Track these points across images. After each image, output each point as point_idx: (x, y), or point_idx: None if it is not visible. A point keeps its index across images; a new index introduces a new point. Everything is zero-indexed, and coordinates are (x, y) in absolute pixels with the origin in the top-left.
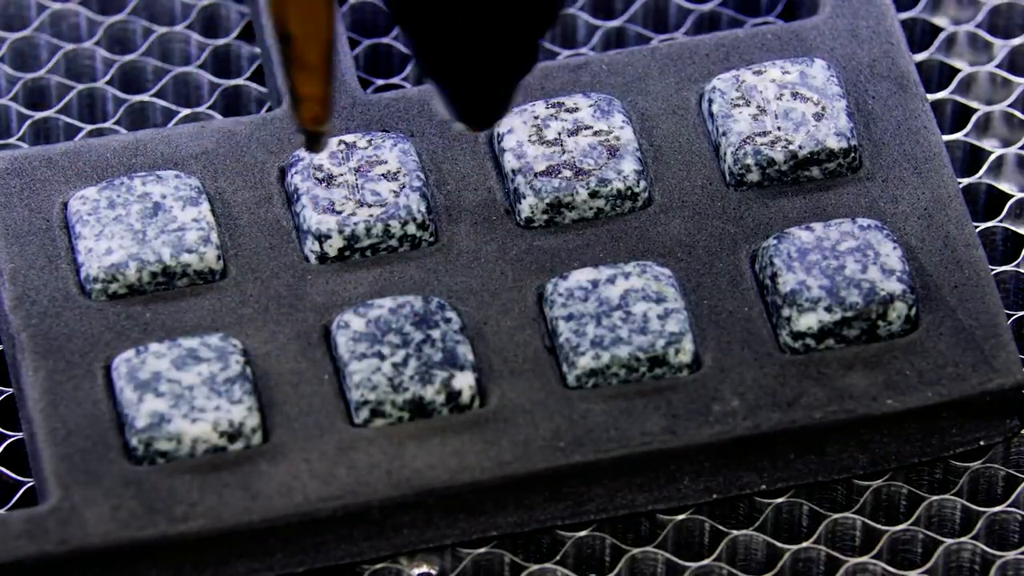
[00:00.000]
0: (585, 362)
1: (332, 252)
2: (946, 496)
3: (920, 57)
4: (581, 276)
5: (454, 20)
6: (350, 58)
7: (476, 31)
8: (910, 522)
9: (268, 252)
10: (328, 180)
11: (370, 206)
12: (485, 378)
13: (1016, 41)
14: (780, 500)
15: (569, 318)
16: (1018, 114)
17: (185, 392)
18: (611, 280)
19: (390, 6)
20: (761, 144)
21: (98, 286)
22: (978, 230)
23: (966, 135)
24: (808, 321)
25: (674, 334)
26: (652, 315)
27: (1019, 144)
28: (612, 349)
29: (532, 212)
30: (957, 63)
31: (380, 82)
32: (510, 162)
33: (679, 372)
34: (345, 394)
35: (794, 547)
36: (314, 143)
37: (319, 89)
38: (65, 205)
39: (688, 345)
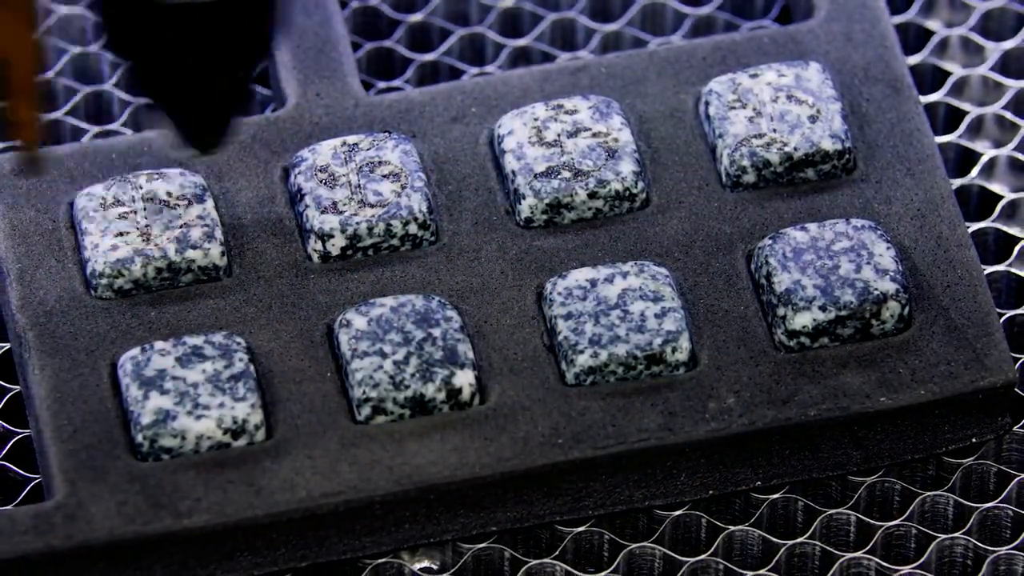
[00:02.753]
0: (583, 360)
1: (335, 251)
2: (939, 492)
3: (913, 60)
4: (580, 275)
5: (173, 59)
6: (353, 61)
7: (193, 67)
8: (904, 518)
9: (271, 251)
10: (331, 180)
11: (372, 206)
12: (485, 376)
13: (1008, 44)
14: (776, 496)
15: (568, 317)
16: (1010, 116)
17: (190, 389)
18: (609, 279)
19: (114, 49)
20: (757, 146)
21: (104, 281)
22: (970, 230)
23: (959, 137)
24: (803, 320)
25: (671, 333)
26: (649, 314)
27: (1011, 146)
28: (610, 347)
29: (532, 212)
30: (950, 66)
31: (382, 84)
32: (510, 163)
33: (676, 370)
34: (347, 392)
35: (789, 542)
36: (32, 165)
37: (30, 113)
38: (71, 205)
39: (685, 343)
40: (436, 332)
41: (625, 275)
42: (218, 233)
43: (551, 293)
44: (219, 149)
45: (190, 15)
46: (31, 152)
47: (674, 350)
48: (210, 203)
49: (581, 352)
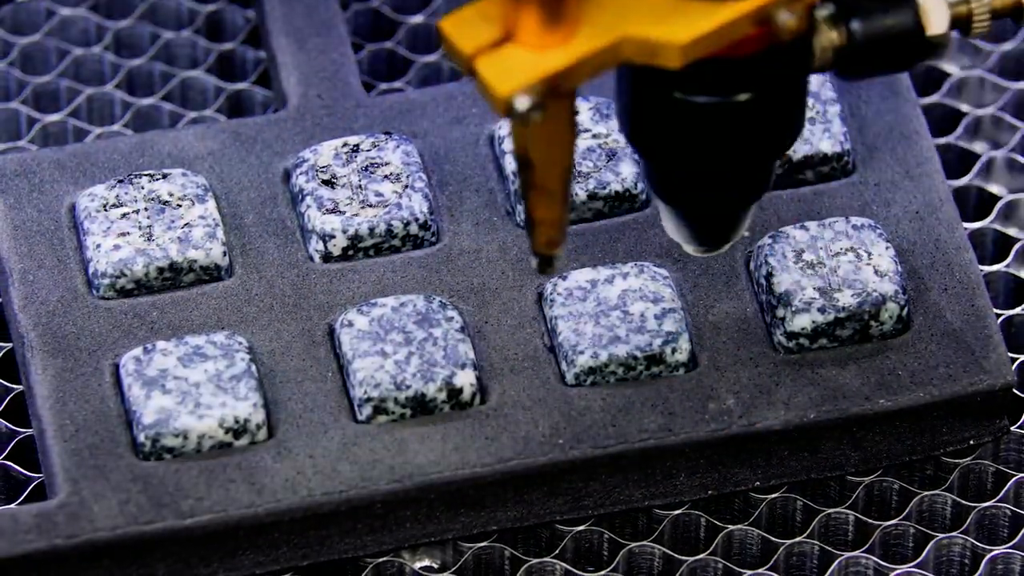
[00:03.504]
0: (584, 361)
1: (336, 251)
2: (937, 492)
3: None
4: (580, 276)
5: (696, 157)
6: (354, 62)
7: (715, 166)
8: (902, 517)
9: (273, 251)
10: (332, 181)
11: (373, 206)
12: (486, 376)
13: (1006, 46)
14: (774, 496)
15: (568, 317)
16: (1007, 118)
17: (192, 389)
18: (609, 280)
19: (631, 138)
20: None
21: (106, 281)
22: (968, 231)
23: (957, 138)
24: (802, 321)
25: (671, 333)
26: (649, 315)
27: (1008, 147)
28: (610, 348)
29: None
30: (948, 67)
31: (383, 86)
32: (511, 164)
33: (676, 371)
34: (348, 391)
35: (788, 541)
36: (546, 266)
37: (556, 214)
38: (73, 206)
39: (685, 344)
40: (437, 332)
41: (625, 276)
42: (220, 233)
43: (551, 294)
44: (727, 246)
45: (718, 114)
46: (548, 252)
47: (674, 351)
48: (212, 203)
49: (581, 353)
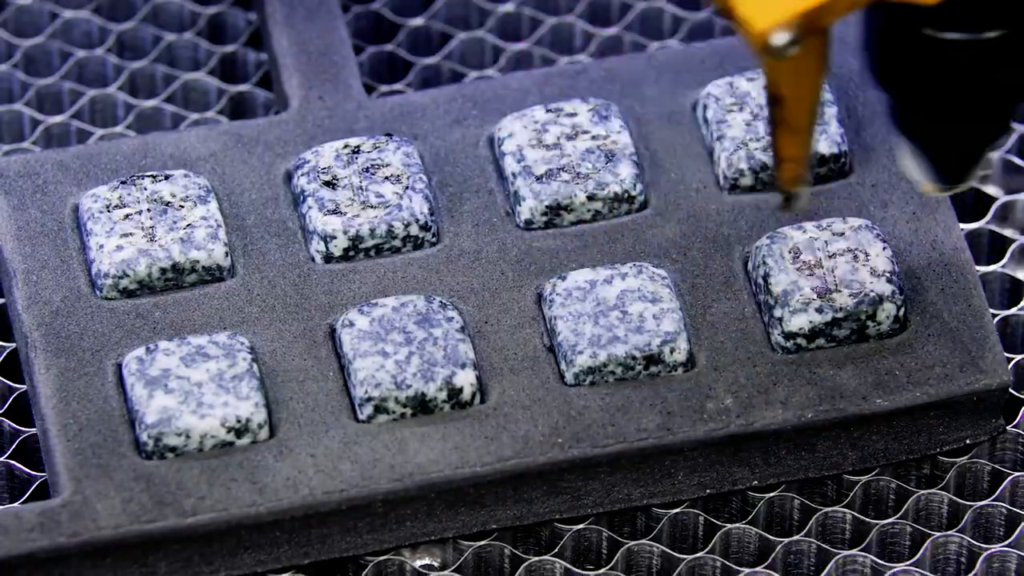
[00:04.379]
0: (583, 360)
1: (337, 252)
2: (933, 491)
3: None
4: (579, 277)
5: (942, 94)
6: (355, 64)
7: (961, 104)
8: (898, 516)
9: (275, 252)
10: (333, 182)
11: (374, 208)
12: (485, 375)
13: None
14: (772, 494)
15: (567, 317)
16: None
17: (194, 389)
18: (608, 280)
19: (879, 79)
20: (754, 149)
21: (109, 282)
22: (965, 232)
23: None
24: (799, 321)
25: (669, 333)
26: (648, 315)
27: (1004, 148)
28: (609, 348)
29: (531, 214)
30: None
31: (384, 87)
32: (510, 165)
33: (674, 370)
34: (349, 391)
35: (785, 540)
36: (790, 203)
37: (802, 151)
38: (76, 206)
39: (683, 344)
40: (437, 332)
41: (624, 276)
42: (222, 234)
43: (551, 294)
44: (967, 184)
45: (967, 52)
46: (793, 188)
47: (672, 351)
48: (214, 204)
49: (580, 352)
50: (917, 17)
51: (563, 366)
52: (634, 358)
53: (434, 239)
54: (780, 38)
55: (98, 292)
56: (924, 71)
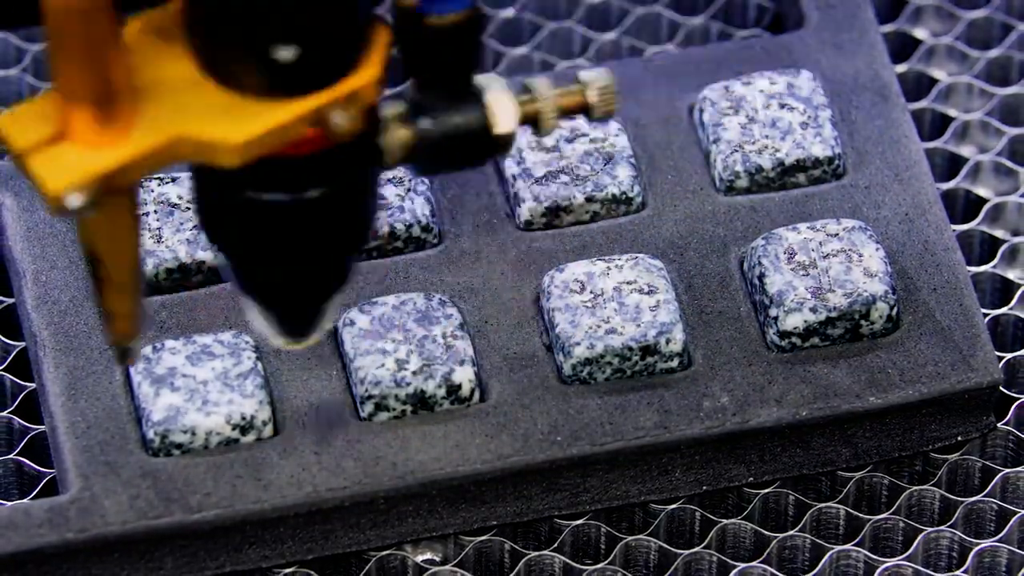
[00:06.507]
0: (580, 352)
1: None
2: (925, 487)
3: (901, 68)
4: (576, 269)
5: (272, 253)
6: None
7: (292, 261)
8: (891, 512)
9: None
10: None
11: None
12: (485, 374)
13: (993, 53)
14: (767, 491)
15: (565, 309)
16: (994, 123)
17: (199, 387)
18: (605, 272)
19: (209, 237)
20: (750, 151)
21: None
22: (956, 233)
23: (945, 142)
24: (794, 321)
25: (665, 324)
26: (644, 306)
27: (995, 151)
28: (606, 339)
29: (531, 215)
30: (936, 73)
31: (386, 91)
32: (510, 167)
33: (670, 360)
34: (351, 388)
35: (780, 535)
36: (125, 356)
37: (127, 307)
38: None
39: (678, 335)
40: (436, 330)
41: (620, 268)
42: None
43: (548, 286)
44: (311, 337)
45: (288, 212)
46: (123, 343)
47: (668, 341)
48: None
49: (577, 344)
50: (236, 179)
51: (560, 358)
52: (630, 349)
53: (435, 240)
54: (74, 200)
55: None
56: (252, 231)
